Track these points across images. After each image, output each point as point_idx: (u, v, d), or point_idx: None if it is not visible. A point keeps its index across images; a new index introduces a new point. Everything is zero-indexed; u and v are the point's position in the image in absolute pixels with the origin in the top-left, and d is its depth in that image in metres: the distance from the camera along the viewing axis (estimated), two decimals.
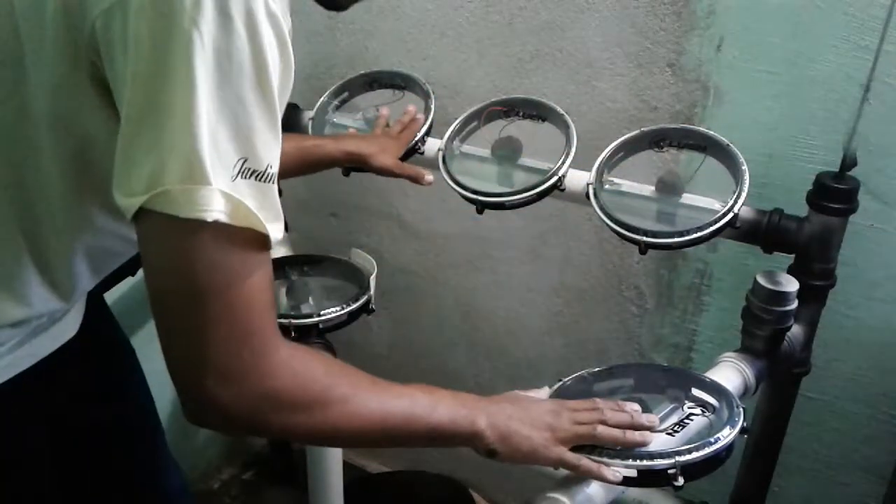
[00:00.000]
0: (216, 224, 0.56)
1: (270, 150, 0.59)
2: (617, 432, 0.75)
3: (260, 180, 0.58)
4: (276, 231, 0.59)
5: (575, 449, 0.75)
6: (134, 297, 1.37)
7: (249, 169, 0.57)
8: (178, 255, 0.57)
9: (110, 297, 1.03)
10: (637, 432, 0.75)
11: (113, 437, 0.98)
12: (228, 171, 0.56)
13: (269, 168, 0.59)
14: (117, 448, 0.99)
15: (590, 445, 0.75)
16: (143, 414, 1.04)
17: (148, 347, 1.40)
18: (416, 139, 1.19)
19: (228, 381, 0.60)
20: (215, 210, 0.55)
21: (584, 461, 0.74)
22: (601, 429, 0.75)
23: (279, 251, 1.34)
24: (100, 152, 0.64)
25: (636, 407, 0.78)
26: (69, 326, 0.84)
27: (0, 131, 0.66)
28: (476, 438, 0.73)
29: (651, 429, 0.76)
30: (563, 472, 0.78)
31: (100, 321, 0.93)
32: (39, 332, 0.79)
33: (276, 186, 0.60)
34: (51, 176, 0.67)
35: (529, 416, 0.75)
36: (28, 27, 0.62)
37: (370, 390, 0.69)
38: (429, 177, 1.16)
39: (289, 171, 1.13)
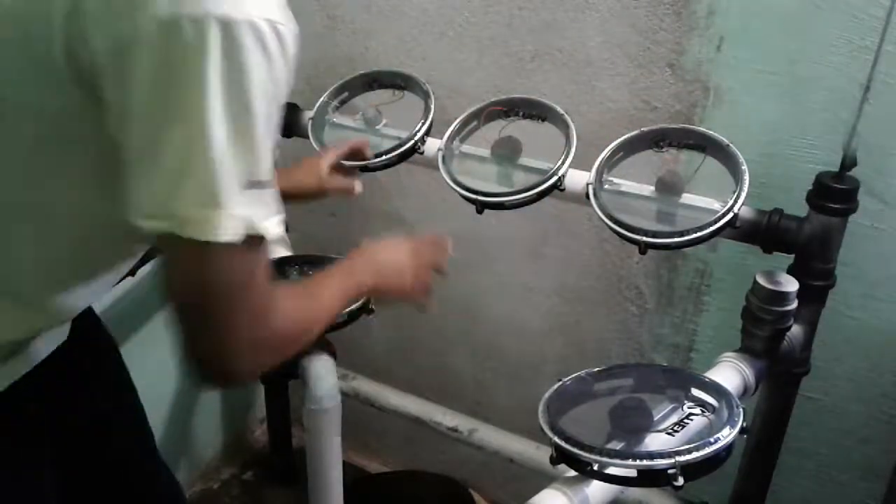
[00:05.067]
0: (229, 243, 0.61)
1: (269, 158, 0.64)
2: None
3: (262, 188, 0.63)
4: (275, 226, 0.65)
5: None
6: (123, 305, 1.37)
7: (253, 181, 0.62)
8: (198, 270, 0.63)
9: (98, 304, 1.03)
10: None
11: (105, 441, 0.98)
12: (237, 187, 0.61)
13: (267, 174, 0.64)
14: (110, 451, 0.99)
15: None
16: (133, 415, 1.05)
17: (142, 352, 1.40)
18: (416, 139, 1.19)
19: (253, 355, 0.69)
20: (229, 232, 0.61)
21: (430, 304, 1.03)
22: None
23: (279, 251, 1.34)
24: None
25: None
26: (62, 332, 0.84)
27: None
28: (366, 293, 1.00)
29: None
30: (562, 471, 0.78)
31: (86, 324, 0.94)
32: (35, 339, 0.80)
33: (272, 184, 0.65)
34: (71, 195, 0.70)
35: (398, 269, 0.98)
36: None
37: (314, 304, 0.82)
38: (358, 188, 1.17)
39: None
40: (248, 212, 0.62)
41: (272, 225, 0.65)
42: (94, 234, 0.74)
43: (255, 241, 0.64)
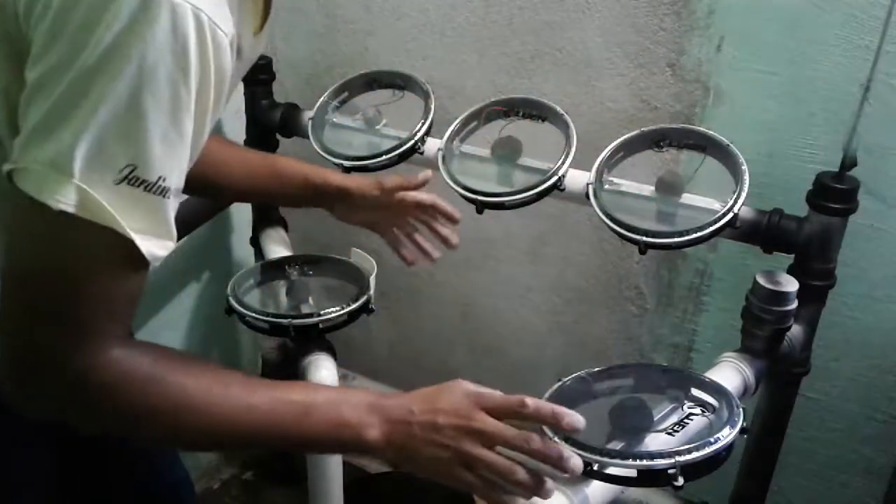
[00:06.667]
0: (65, 215, 0.54)
1: (167, 163, 0.57)
2: (520, 475, 0.66)
3: (148, 191, 0.57)
4: (153, 246, 0.58)
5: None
6: None
7: (138, 178, 0.56)
8: (28, 232, 0.57)
9: None
10: (537, 479, 0.67)
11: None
12: (111, 174, 0.55)
13: (161, 180, 0.57)
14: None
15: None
16: None
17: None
18: (416, 139, 1.19)
19: (50, 382, 0.59)
20: (64, 202, 0.54)
21: (492, 495, 0.68)
22: (502, 463, 0.67)
23: (279, 251, 1.34)
24: None
25: (564, 452, 0.68)
26: None
27: None
28: (368, 451, 0.70)
29: (568, 472, 0.67)
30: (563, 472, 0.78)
31: None
32: None
33: (169, 202, 0.59)
34: None
35: (433, 432, 0.69)
36: None
37: (215, 404, 0.64)
38: (425, 173, 1.13)
39: (256, 185, 1.15)
40: (111, 205, 0.55)
41: (155, 244, 0.58)
42: None
43: (111, 242, 0.56)
